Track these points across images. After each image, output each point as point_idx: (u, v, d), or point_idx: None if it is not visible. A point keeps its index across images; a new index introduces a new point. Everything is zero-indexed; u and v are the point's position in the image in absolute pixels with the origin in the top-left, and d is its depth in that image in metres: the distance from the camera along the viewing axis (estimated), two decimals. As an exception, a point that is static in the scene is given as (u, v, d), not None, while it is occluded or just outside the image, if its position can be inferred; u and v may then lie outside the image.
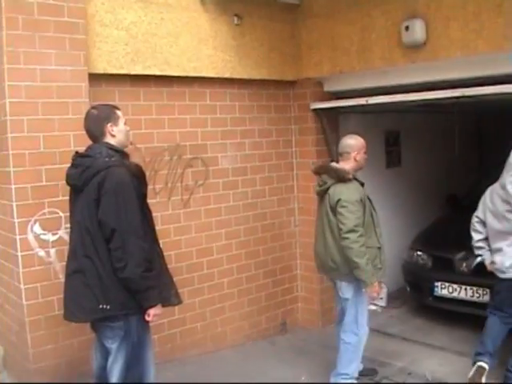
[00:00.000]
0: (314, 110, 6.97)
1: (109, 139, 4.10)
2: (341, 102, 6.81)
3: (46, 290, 4.99)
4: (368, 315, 5.45)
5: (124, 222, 3.85)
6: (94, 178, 3.91)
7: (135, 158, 5.59)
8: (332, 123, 7.08)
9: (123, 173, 3.93)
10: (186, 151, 6.15)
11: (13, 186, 4.91)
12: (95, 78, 5.37)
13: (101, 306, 3.90)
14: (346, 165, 5.30)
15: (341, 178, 5.17)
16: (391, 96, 6.19)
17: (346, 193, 5.10)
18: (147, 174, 5.68)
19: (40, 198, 5.00)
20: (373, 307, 7.68)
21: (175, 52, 5.88)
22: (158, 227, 5.74)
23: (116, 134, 4.10)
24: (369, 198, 5.31)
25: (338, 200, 5.08)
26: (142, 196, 4.12)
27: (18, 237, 4.96)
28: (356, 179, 5.27)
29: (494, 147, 10.16)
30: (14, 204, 4.93)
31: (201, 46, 6.08)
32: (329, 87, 7.02)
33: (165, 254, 5.79)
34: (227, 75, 6.34)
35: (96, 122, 4.11)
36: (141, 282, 3.87)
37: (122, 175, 3.92)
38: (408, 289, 7.67)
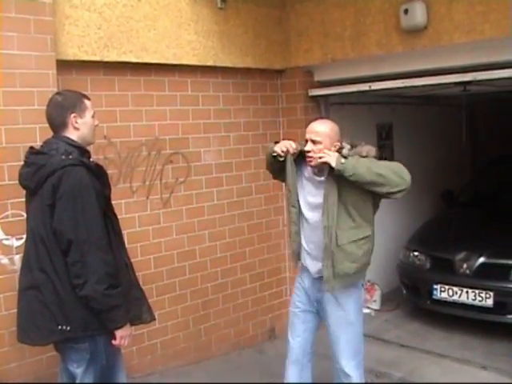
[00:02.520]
0: (312, 97, 6.55)
1: (70, 132, 3.56)
2: (342, 89, 6.36)
3: (10, 302, 4.42)
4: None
5: (83, 231, 3.34)
6: (48, 179, 3.40)
7: (110, 154, 5.21)
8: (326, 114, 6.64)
9: (82, 173, 3.40)
10: (165, 146, 5.70)
11: (-29, 186, 4.44)
12: (64, 65, 4.89)
13: (60, 327, 3.41)
14: None
15: None
16: (397, 81, 5.78)
17: None
18: (123, 170, 5.39)
19: (2, 199, 4.50)
20: (366, 310, 7.31)
21: (153, 37, 5.41)
22: (135, 229, 5.42)
23: (80, 127, 3.57)
24: None
25: None
26: (105, 199, 3.62)
27: (-23, 242, 4.48)
28: None
29: (487, 144, 10.00)
30: (-27, 206, 4.45)
31: (181, 31, 5.62)
32: (320, 76, 6.58)
33: (143, 258, 5.49)
34: (210, 63, 5.88)
35: (58, 110, 3.57)
36: (104, 301, 3.36)
37: (80, 176, 3.39)
38: (404, 291, 7.26)
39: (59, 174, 3.36)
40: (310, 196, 4.24)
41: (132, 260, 5.13)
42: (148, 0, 5.37)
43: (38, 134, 4.53)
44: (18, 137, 4.54)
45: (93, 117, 3.65)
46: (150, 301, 4.93)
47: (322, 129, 4.13)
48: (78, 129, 3.56)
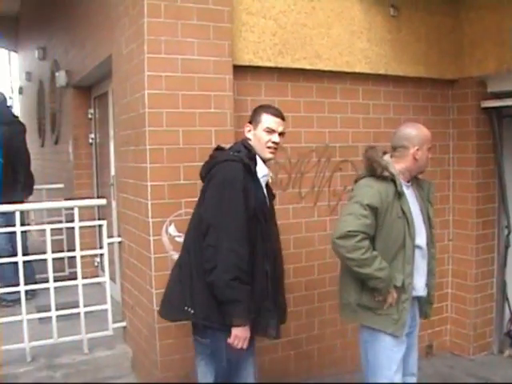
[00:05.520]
0: (485, 109, 6.28)
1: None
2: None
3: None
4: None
5: (223, 219, 3.46)
6: (211, 170, 3.65)
7: (281, 159, 5.30)
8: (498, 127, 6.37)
9: (237, 168, 3.57)
10: (335, 153, 5.70)
11: (149, 184, 4.63)
12: (240, 70, 5.03)
13: (186, 308, 3.55)
14: (398, 163, 3.95)
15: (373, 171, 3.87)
16: None
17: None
18: (292, 176, 5.47)
19: (177, 198, 4.70)
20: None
21: (326, 44, 5.45)
22: (301, 234, 5.42)
23: (251, 138, 3.80)
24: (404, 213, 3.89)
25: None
26: (256, 200, 3.69)
27: (151, 238, 4.68)
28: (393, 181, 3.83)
29: None
30: (150, 202, 4.65)
31: (354, 39, 5.62)
32: (493, 87, 6.29)
33: (308, 264, 5.47)
34: (381, 71, 5.82)
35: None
36: (225, 291, 3.40)
37: (235, 170, 3.56)
38: None
39: (219, 166, 3.59)
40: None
41: (296, 265, 5.23)
42: (322, 7, 5.42)
43: (214, 136, 4.68)
44: (195, 138, 4.70)
45: (266, 132, 3.74)
46: (306, 307, 4.99)
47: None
48: (250, 139, 3.78)
